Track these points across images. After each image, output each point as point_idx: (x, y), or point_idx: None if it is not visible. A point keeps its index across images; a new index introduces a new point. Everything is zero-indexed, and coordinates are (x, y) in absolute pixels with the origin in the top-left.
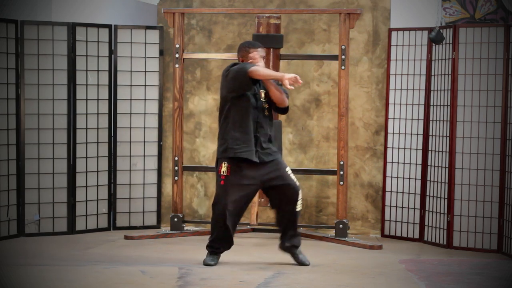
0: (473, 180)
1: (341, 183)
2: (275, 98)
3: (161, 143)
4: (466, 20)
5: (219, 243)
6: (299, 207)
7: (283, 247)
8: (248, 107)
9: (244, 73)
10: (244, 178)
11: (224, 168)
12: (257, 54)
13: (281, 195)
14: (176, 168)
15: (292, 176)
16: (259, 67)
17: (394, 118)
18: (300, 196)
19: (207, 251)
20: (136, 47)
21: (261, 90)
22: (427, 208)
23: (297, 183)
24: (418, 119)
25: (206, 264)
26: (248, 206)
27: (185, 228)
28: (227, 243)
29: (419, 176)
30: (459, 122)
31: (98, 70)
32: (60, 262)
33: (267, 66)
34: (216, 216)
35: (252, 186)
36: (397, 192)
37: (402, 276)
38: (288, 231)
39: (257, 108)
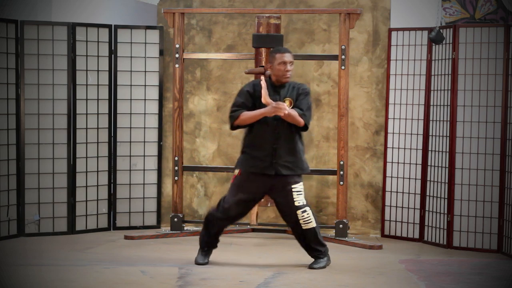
0: (473, 180)
1: (341, 183)
2: (290, 122)
3: (161, 143)
4: (466, 20)
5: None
6: (305, 226)
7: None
8: (267, 119)
9: (230, 125)
10: (251, 183)
11: (236, 171)
12: (285, 58)
13: (280, 211)
14: (176, 168)
15: (297, 195)
16: (243, 115)
17: (394, 118)
18: (303, 216)
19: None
20: (136, 47)
21: (286, 98)
22: (427, 208)
23: (300, 203)
24: (418, 119)
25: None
26: (245, 214)
27: (185, 228)
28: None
29: (419, 176)
30: (459, 122)
31: (98, 70)
32: (60, 262)
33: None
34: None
35: (255, 195)
36: (397, 192)
37: (402, 276)
38: (303, 245)
39: (278, 119)
